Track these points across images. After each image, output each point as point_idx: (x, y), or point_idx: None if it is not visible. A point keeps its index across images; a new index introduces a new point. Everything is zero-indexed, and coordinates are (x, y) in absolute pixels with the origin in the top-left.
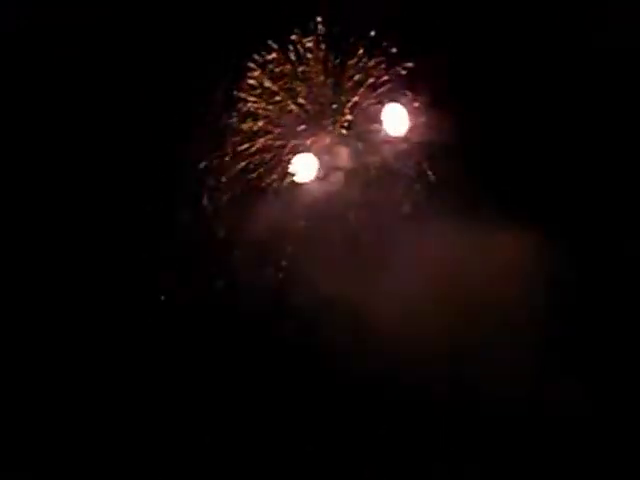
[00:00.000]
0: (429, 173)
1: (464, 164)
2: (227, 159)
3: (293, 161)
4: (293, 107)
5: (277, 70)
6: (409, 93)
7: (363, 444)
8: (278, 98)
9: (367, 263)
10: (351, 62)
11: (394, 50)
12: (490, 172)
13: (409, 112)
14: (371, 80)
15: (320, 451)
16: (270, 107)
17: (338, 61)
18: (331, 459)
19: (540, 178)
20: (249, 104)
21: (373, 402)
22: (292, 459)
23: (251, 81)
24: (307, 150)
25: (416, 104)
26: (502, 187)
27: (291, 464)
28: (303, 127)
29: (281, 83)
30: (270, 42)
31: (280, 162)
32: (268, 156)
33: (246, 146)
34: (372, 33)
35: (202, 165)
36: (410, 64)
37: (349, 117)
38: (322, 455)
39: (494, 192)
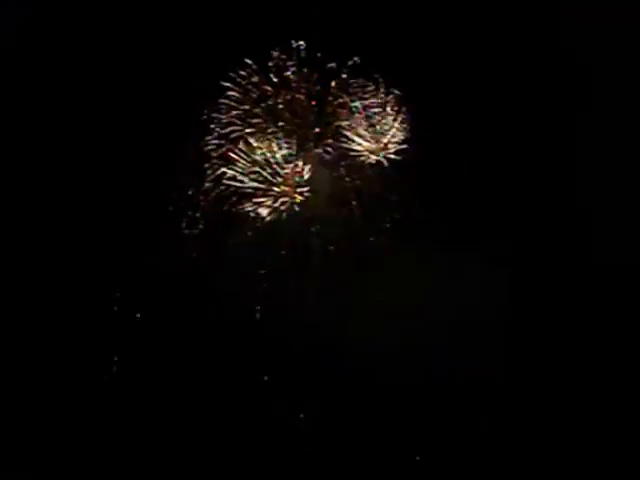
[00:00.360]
0: (411, 197)
1: (446, 187)
2: (205, 184)
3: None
4: (274, 130)
5: (258, 92)
6: (392, 118)
7: (363, 444)
8: (258, 120)
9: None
10: (334, 86)
11: (378, 77)
12: (472, 196)
13: (392, 136)
14: (354, 104)
15: (320, 451)
16: (250, 130)
17: (319, 87)
18: (331, 459)
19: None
20: (229, 127)
21: (372, 402)
22: (292, 459)
23: (229, 102)
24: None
25: (399, 128)
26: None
27: (291, 464)
28: (285, 150)
29: (263, 105)
30: (250, 62)
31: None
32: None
33: (224, 170)
34: (356, 59)
35: (179, 190)
36: (394, 90)
37: (331, 140)
38: (322, 455)
39: (477, 217)
